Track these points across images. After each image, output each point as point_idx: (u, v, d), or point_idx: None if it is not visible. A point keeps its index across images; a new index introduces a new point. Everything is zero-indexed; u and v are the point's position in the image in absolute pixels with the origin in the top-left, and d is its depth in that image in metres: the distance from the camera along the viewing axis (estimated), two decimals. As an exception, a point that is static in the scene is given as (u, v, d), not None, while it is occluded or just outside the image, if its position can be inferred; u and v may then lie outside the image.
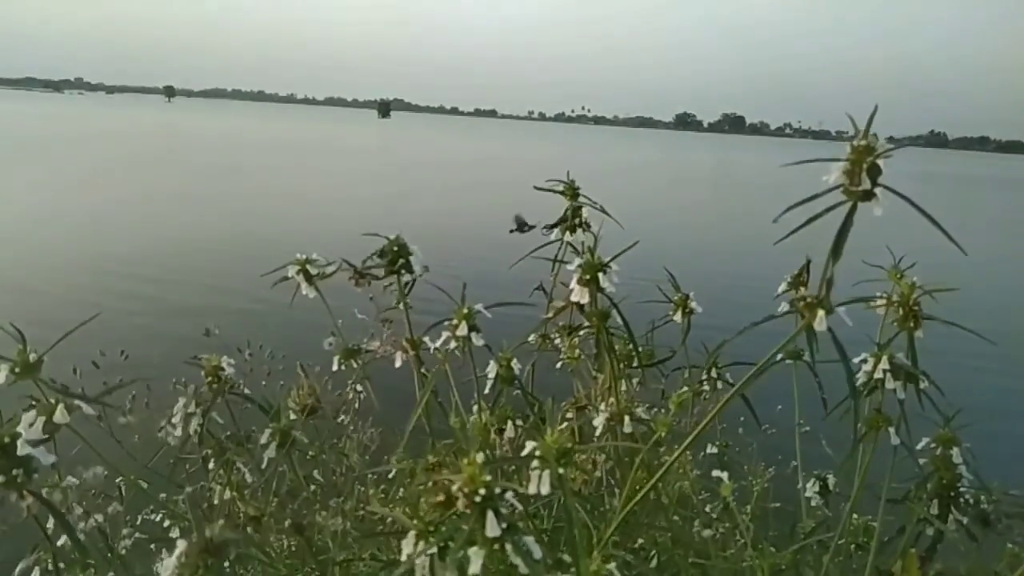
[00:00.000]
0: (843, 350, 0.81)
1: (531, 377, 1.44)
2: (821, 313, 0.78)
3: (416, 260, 1.01)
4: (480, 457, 0.70)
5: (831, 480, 1.49)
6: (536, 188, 1.40)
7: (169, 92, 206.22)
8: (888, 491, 1.15)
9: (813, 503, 1.47)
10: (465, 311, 0.96)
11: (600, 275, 0.99)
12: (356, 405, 1.29)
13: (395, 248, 1.01)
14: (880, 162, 0.73)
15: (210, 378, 1.06)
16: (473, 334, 0.94)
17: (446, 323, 0.98)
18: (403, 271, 1.02)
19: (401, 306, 1.09)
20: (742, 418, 1.58)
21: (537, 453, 0.74)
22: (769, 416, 1.52)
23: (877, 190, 0.74)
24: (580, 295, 0.99)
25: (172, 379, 1.15)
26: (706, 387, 1.45)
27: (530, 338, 1.47)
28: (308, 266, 1.14)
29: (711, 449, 1.57)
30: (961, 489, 1.14)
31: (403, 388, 1.24)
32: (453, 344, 0.97)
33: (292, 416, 1.21)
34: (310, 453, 1.13)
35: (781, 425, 1.51)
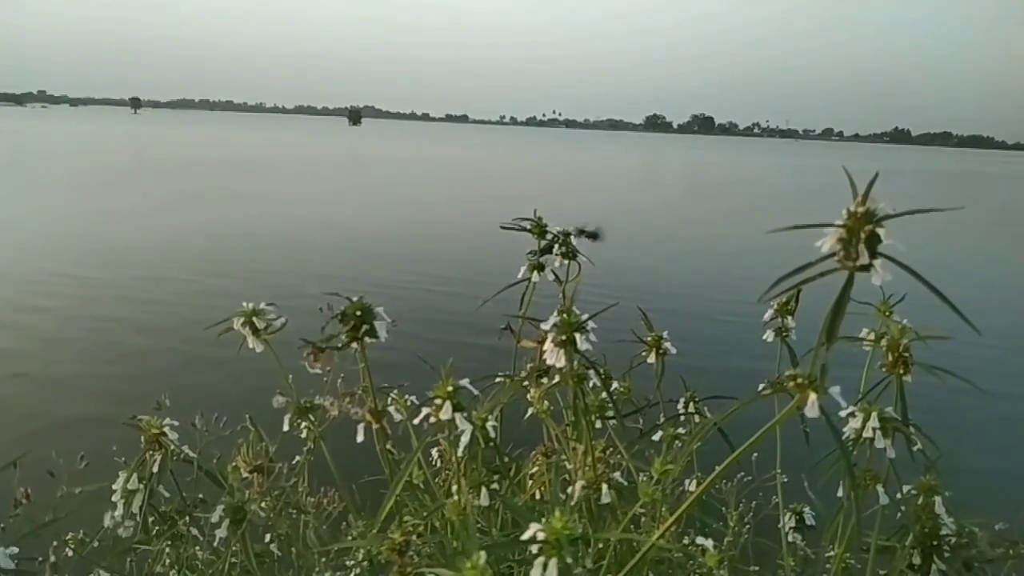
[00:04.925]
0: (837, 432, 0.75)
1: (499, 420, 1.38)
2: (813, 397, 0.72)
3: (381, 325, 0.92)
4: (483, 558, 0.62)
5: (808, 514, 1.46)
6: (503, 227, 1.33)
7: (135, 104, 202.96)
8: (874, 538, 1.12)
9: (790, 538, 1.44)
10: (449, 389, 0.86)
11: (576, 335, 0.92)
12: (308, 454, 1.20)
13: (358, 312, 0.92)
14: (881, 230, 0.66)
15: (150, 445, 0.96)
16: (458, 415, 0.85)
17: (429, 402, 0.88)
18: (367, 338, 0.92)
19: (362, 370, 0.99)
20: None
21: (541, 536, 0.66)
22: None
23: (877, 261, 0.66)
24: (555, 357, 0.92)
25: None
26: (682, 430, 1.40)
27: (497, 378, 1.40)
28: (255, 318, 1.05)
29: (690, 486, 1.52)
30: (944, 535, 1.12)
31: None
32: (432, 420, 0.87)
33: (244, 474, 1.13)
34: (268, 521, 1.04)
35: (763, 458, 1.46)
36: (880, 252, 0.67)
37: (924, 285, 0.68)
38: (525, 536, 0.65)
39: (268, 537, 1.19)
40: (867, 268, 0.67)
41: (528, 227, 1.37)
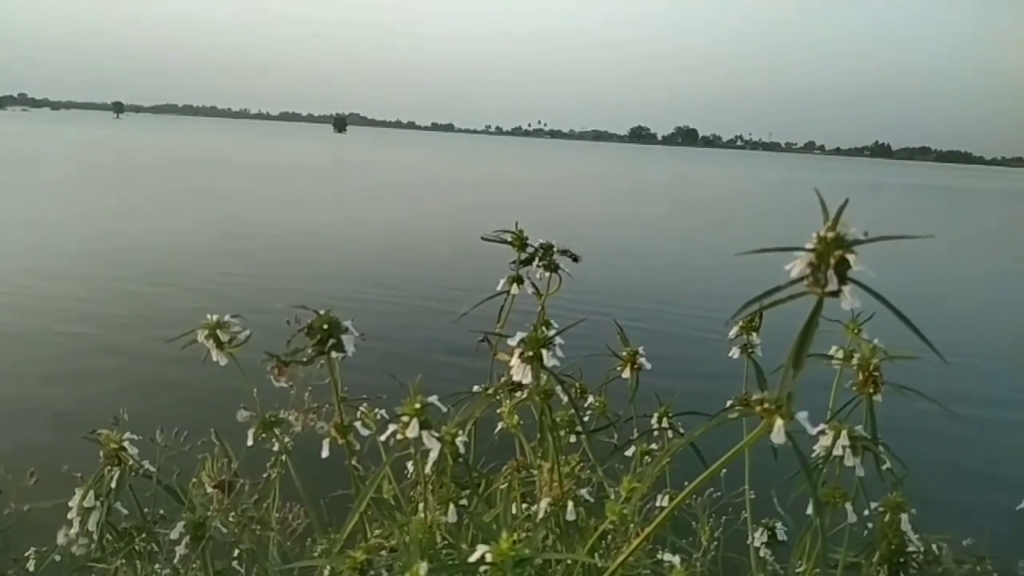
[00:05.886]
0: (803, 457, 0.75)
1: (473, 434, 1.37)
2: (779, 423, 0.72)
3: (348, 339, 0.90)
4: (423, 569, 0.63)
5: (780, 529, 1.46)
6: (484, 239, 1.32)
7: (118, 108, 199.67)
8: (843, 555, 1.12)
9: (761, 554, 1.43)
10: (416, 406, 0.84)
11: (543, 351, 0.91)
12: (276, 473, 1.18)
13: (324, 326, 0.90)
14: (851, 256, 0.66)
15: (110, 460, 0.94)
16: (425, 433, 0.83)
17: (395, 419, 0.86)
18: (334, 351, 0.90)
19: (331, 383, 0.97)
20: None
21: (488, 558, 0.66)
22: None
23: (846, 287, 0.65)
24: (522, 373, 0.91)
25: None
26: (655, 446, 1.40)
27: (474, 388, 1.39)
28: (219, 331, 1.03)
29: (661, 501, 1.52)
30: (910, 552, 1.12)
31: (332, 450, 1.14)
32: (399, 437, 0.85)
33: (208, 489, 1.11)
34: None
35: (736, 473, 1.46)
36: (850, 278, 0.66)
37: (893, 313, 0.68)
38: (473, 557, 0.65)
39: (236, 553, 1.17)
40: (836, 294, 0.67)
41: (509, 239, 1.36)
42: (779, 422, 0.72)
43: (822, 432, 1.01)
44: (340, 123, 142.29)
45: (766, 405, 0.73)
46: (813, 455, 1.02)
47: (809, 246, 0.67)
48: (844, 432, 0.99)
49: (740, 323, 1.44)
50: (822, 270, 0.65)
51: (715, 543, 1.39)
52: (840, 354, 1.21)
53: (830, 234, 0.66)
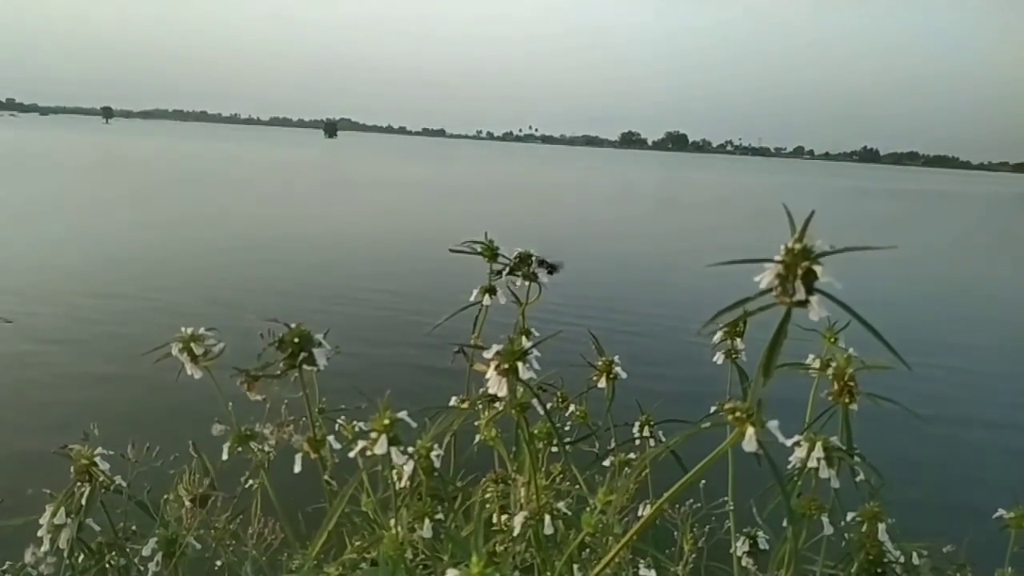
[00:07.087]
0: (776, 467, 0.75)
1: (452, 445, 1.36)
2: (751, 431, 0.72)
3: (321, 353, 0.90)
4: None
5: (761, 538, 1.45)
6: (452, 250, 1.31)
7: (107, 113, 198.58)
8: (820, 565, 1.12)
9: (743, 563, 1.43)
10: (385, 422, 0.82)
11: (519, 364, 0.91)
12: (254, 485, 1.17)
13: (296, 339, 0.90)
14: (818, 267, 0.67)
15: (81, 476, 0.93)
16: (394, 450, 0.82)
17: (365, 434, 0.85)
18: (306, 365, 0.89)
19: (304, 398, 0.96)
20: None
21: None
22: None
23: (813, 298, 0.66)
24: (498, 386, 0.91)
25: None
26: (632, 455, 1.39)
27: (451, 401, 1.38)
28: (193, 344, 1.02)
29: (643, 511, 1.51)
30: (887, 562, 1.12)
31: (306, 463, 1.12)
32: (368, 454, 0.84)
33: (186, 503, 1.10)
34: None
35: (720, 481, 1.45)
36: (817, 288, 0.67)
37: (859, 322, 0.68)
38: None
39: (213, 568, 1.16)
40: (804, 304, 0.67)
41: (479, 250, 1.35)
42: (750, 430, 0.72)
43: (797, 444, 1.01)
44: (331, 128, 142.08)
45: (738, 414, 0.73)
46: (789, 466, 1.02)
47: (777, 258, 0.68)
48: (819, 444, 0.99)
49: (724, 328, 1.44)
50: (790, 281, 0.66)
51: (693, 555, 1.39)
52: (816, 363, 1.21)
53: (797, 246, 0.67)
